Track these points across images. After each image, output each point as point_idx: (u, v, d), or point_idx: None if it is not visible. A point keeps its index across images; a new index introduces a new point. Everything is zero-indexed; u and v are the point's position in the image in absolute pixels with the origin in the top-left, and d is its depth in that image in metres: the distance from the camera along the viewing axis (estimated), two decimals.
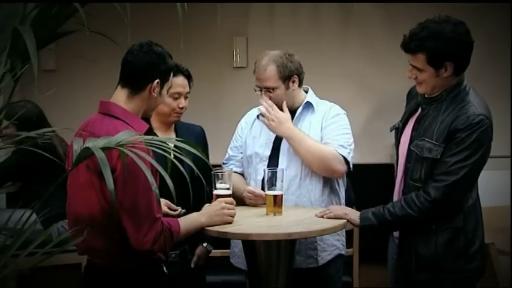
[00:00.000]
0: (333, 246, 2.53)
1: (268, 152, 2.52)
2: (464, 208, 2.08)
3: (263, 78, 2.47)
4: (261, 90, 2.49)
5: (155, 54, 1.93)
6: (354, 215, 2.20)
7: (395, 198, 2.24)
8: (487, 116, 2.04)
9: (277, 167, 2.42)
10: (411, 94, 2.28)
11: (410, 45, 2.04)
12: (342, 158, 2.43)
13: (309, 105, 2.55)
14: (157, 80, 1.94)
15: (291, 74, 2.48)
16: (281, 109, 2.49)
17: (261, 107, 2.49)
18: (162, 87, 1.96)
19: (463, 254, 2.09)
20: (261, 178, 2.46)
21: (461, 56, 2.04)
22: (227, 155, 2.67)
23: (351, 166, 2.48)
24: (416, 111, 2.19)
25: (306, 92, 2.59)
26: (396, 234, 2.24)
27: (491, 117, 2.06)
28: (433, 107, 2.10)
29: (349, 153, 2.45)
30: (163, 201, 2.09)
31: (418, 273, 2.12)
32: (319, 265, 2.48)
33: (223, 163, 2.67)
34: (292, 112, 2.54)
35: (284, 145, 2.51)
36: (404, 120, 2.24)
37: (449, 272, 2.10)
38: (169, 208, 2.14)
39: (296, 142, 2.43)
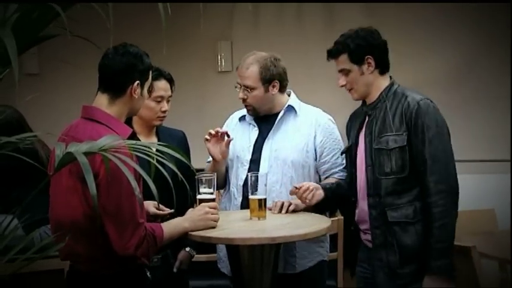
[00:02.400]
0: (316, 253, 2.53)
1: (249, 156, 2.52)
2: None
3: (244, 77, 2.49)
4: (240, 87, 2.51)
5: (131, 55, 1.92)
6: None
7: (360, 215, 2.29)
8: (430, 99, 2.22)
9: (257, 171, 2.42)
10: (351, 122, 2.40)
11: (333, 50, 2.28)
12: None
13: (290, 108, 2.56)
14: (137, 82, 1.93)
15: (272, 78, 2.49)
16: (257, 112, 2.52)
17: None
18: (142, 87, 1.96)
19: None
20: (242, 184, 2.46)
21: (378, 49, 2.25)
22: (210, 158, 2.62)
23: None
24: (362, 127, 2.31)
25: (289, 96, 2.60)
26: (367, 237, 2.28)
27: (433, 101, 2.23)
28: (378, 109, 2.24)
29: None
30: (151, 202, 2.09)
31: (402, 266, 2.17)
32: (297, 272, 2.48)
33: (208, 162, 2.66)
34: (272, 116, 2.54)
35: (266, 150, 2.51)
36: (355, 139, 2.33)
37: (433, 258, 2.15)
38: (157, 209, 2.13)
39: None
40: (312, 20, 4.23)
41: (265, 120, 2.56)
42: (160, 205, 2.10)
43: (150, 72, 2.01)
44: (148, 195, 1.70)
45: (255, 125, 2.57)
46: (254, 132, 2.56)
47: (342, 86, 2.29)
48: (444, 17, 4.09)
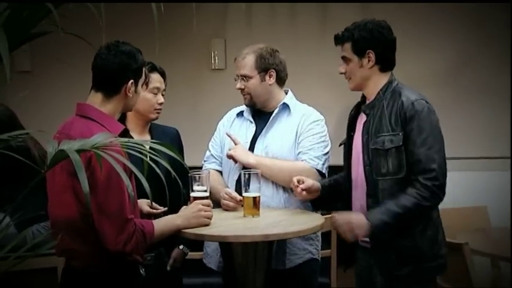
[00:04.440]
0: (305, 250, 2.53)
1: None
2: None
3: (240, 66, 2.53)
4: (238, 78, 2.54)
5: (124, 55, 1.92)
6: (363, 230, 2.12)
7: (356, 209, 2.26)
8: (426, 100, 2.20)
9: (250, 168, 2.42)
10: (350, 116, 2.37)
11: (339, 36, 2.25)
12: (315, 170, 2.45)
13: (285, 106, 2.57)
14: (131, 81, 1.94)
15: (268, 67, 2.51)
16: (253, 102, 2.53)
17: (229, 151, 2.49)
18: (136, 85, 1.96)
19: (435, 240, 2.18)
20: (235, 179, 2.47)
21: (382, 45, 2.21)
22: (208, 153, 2.67)
23: (326, 175, 2.50)
24: (356, 117, 2.30)
25: (286, 94, 2.61)
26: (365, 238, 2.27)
27: (429, 101, 2.20)
28: (375, 108, 2.22)
29: (323, 164, 2.48)
30: (144, 200, 2.09)
31: (400, 267, 2.16)
32: (287, 268, 2.49)
33: (204, 161, 2.67)
34: (269, 113, 2.56)
35: (258, 146, 2.52)
36: (351, 130, 2.32)
37: (428, 260, 2.17)
38: (150, 207, 2.13)
39: (267, 167, 2.44)
40: (306, 17, 4.23)
41: (261, 117, 2.57)
42: (153, 203, 2.10)
43: (144, 68, 2.01)
44: (141, 193, 1.70)
45: (252, 121, 2.58)
46: (251, 129, 2.57)
47: (341, 73, 2.28)
48: (441, 15, 4.10)
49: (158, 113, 2.45)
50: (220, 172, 2.61)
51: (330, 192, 2.39)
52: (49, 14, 1.52)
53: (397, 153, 2.14)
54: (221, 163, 2.62)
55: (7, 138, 1.58)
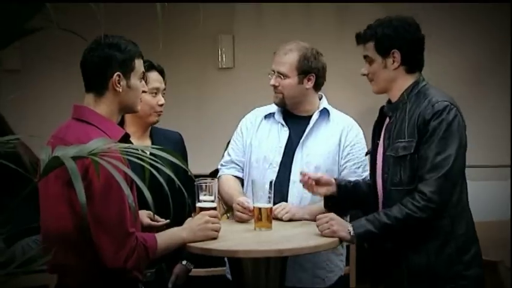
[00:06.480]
0: (338, 267, 2.56)
1: (279, 158, 2.53)
2: (451, 212, 2.14)
3: (280, 62, 2.51)
4: (274, 73, 2.52)
5: (107, 47, 1.91)
6: (344, 229, 2.17)
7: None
8: (451, 102, 2.15)
9: (288, 175, 2.44)
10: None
11: (361, 35, 2.22)
12: None
13: (325, 112, 2.58)
14: (117, 73, 1.92)
15: (309, 70, 2.51)
16: (284, 103, 2.53)
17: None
18: (128, 77, 1.94)
19: (457, 260, 2.14)
20: (268, 187, 2.35)
21: (408, 44, 2.18)
22: (227, 157, 2.66)
23: None
24: (382, 122, 2.29)
25: (320, 99, 2.61)
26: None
27: (456, 104, 2.17)
28: (399, 111, 2.20)
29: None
30: (145, 212, 2.09)
31: (410, 286, 2.15)
32: (326, 286, 2.50)
33: (222, 165, 2.66)
34: (303, 117, 2.55)
35: (298, 154, 2.52)
36: (376, 138, 2.31)
37: (445, 280, 2.14)
38: (151, 219, 2.13)
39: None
40: (321, 15, 4.23)
41: (296, 122, 2.58)
42: (155, 216, 2.10)
43: (137, 60, 1.96)
44: (141, 203, 1.70)
45: (285, 124, 2.58)
46: (284, 133, 2.57)
47: (364, 74, 2.26)
48: (464, 16, 4.11)
49: (159, 115, 2.45)
50: (241, 180, 2.60)
51: (346, 193, 2.36)
52: (42, 10, 1.53)
53: (410, 162, 2.12)
54: (242, 169, 2.62)
55: None
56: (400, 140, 2.16)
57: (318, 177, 2.32)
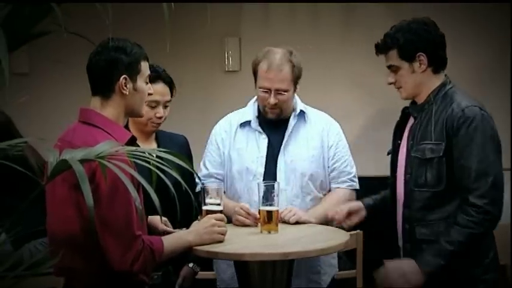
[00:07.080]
0: (331, 266, 2.54)
1: (262, 169, 2.48)
2: None
3: (278, 79, 2.40)
4: (270, 92, 2.41)
5: (113, 50, 1.93)
6: (413, 273, 2.11)
7: (399, 228, 2.26)
8: (480, 107, 2.14)
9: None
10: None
11: (381, 44, 2.20)
12: (354, 191, 2.49)
13: (301, 114, 2.53)
14: (123, 76, 1.93)
15: (299, 76, 2.47)
16: (279, 116, 2.48)
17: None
18: (134, 80, 1.95)
19: (476, 262, 2.14)
20: (257, 199, 2.34)
21: (432, 45, 2.17)
22: (205, 171, 2.58)
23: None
24: (405, 124, 2.27)
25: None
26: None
27: (485, 108, 2.15)
28: (424, 112, 2.19)
29: (357, 179, 2.51)
30: (157, 217, 2.09)
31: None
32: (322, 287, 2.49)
33: (200, 180, 2.64)
34: (279, 122, 2.49)
35: (281, 161, 2.47)
36: (397, 138, 2.30)
37: (461, 284, 2.14)
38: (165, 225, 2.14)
39: (324, 208, 2.45)
40: (328, 17, 4.22)
41: (273, 127, 2.51)
42: (168, 222, 2.11)
43: (143, 63, 1.98)
44: (148, 206, 1.70)
45: (262, 132, 2.52)
46: (263, 141, 2.51)
47: (390, 83, 2.24)
48: (464, 16, 4.10)
49: (156, 126, 2.43)
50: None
51: (377, 212, 2.38)
52: (51, 13, 1.54)
53: (437, 165, 2.12)
54: (222, 181, 2.55)
55: (5, 147, 1.59)
56: (426, 142, 2.15)
57: (347, 210, 2.33)
